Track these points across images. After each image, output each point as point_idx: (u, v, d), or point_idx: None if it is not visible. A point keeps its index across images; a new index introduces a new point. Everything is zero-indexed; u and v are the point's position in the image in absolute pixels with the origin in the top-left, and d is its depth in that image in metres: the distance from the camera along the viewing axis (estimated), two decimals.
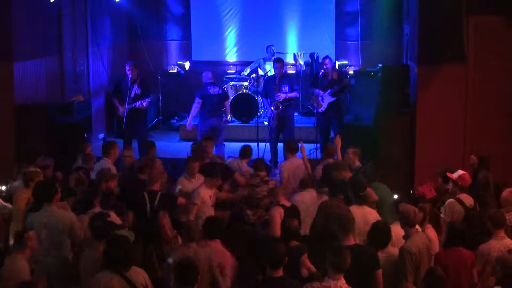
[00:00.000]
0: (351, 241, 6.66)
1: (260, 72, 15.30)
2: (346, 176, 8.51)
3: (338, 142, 10.06)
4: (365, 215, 7.51)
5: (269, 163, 12.15)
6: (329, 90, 12.38)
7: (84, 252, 6.96)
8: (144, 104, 12.44)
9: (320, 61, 13.10)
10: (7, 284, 6.45)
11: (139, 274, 6.31)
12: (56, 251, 7.39)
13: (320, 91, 12.47)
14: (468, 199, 8.22)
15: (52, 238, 7.39)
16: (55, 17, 12.73)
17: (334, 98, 12.38)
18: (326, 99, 12.42)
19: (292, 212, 8.35)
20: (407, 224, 6.93)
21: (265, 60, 15.31)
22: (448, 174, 8.58)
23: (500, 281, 6.47)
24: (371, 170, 9.05)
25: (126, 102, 12.33)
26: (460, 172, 8.43)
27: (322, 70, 12.57)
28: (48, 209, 7.50)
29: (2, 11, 10.99)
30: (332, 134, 12.73)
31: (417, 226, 7.10)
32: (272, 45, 15.30)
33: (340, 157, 9.84)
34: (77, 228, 7.46)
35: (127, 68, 12.51)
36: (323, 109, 12.48)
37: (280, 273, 6.07)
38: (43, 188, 7.72)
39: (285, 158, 10.22)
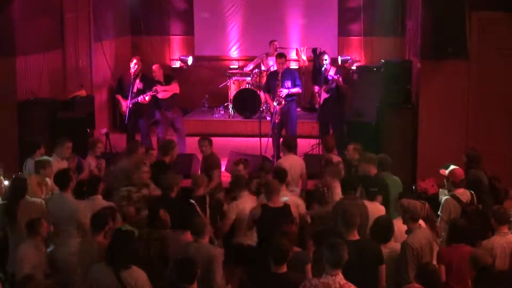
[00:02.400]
0: (355, 236, 6.67)
1: (263, 67, 15.30)
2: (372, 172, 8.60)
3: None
4: (375, 212, 7.51)
5: (271, 159, 12.15)
6: (324, 87, 12.44)
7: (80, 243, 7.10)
8: (147, 98, 12.46)
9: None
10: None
11: (133, 275, 6.16)
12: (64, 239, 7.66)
13: (318, 88, 12.59)
14: (465, 195, 8.21)
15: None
16: (57, 11, 12.72)
17: (328, 94, 12.42)
18: (322, 95, 12.48)
19: (283, 214, 7.79)
20: (412, 218, 6.92)
21: (267, 55, 15.31)
22: (441, 171, 8.58)
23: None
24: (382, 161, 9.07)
25: (129, 97, 12.34)
26: (452, 167, 8.43)
27: (325, 66, 12.62)
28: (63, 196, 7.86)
29: (4, 6, 10.98)
30: (332, 130, 12.78)
31: (420, 221, 7.11)
32: (275, 40, 15.29)
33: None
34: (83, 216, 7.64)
35: (134, 61, 12.52)
36: (319, 105, 12.53)
37: (284, 269, 6.09)
38: (60, 176, 8.05)
39: (279, 153, 10.20)
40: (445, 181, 8.53)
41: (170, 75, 13.15)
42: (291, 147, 9.99)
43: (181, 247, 7.02)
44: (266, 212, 7.81)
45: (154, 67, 12.78)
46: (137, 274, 6.18)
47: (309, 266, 6.88)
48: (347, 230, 6.61)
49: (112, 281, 6.09)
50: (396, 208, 7.44)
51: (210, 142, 10.22)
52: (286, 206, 7.90)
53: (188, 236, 7.12)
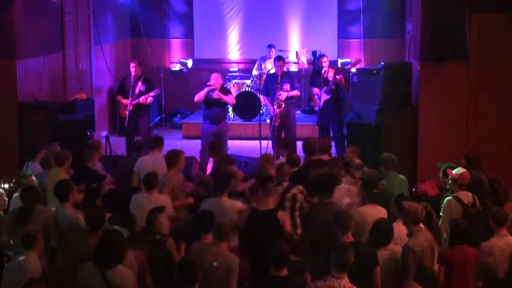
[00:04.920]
0: (349, 238, 6.67)
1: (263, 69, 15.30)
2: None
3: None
4: (377, 215, 7.40)
5: None
6: (324, 88, 12.43)
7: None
8: (149, 99, 12.45)
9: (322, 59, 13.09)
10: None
11: (118, 274, 6.14)
12: None
13: (317, 90, 12.57)
14: (466, 196, 8.20)
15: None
16: (57, 14, 12.74)
17: (329, 96, 12.41)
18: (322, 97, 12.47)
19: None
20: (413, 221, 6.89)
21: (264, 59, 15.28)
22: (448, 171, 8.56)
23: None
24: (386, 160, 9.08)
25: (130, 99, 12.33)
26: (461, 170, 8.41)
27: (325, 68, 12.63)
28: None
29: (4, 9, 11.00)
30: (331, 132, 12.78)
31: (421, 224, 7.09)
32: (273, 46, 15.18)
33: None
34: None
35: (132, 65, 12.49)
36: (320, 107, 12.54)
37: (284, 272, 6.07)
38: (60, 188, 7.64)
39: (279, 156, 10.28)
40: (449, 182, 8.50)
41: (228, 89, 12.84)
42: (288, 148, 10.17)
43: (198, 247, 6.92)
44: (254, 216, 7.54)
45: (214, 74, 12.08)
46: (122, 272, 6.17)
47: (308, 275, 6.81)
48: (342, 232, 6.64)
49: (98, 280, 6.11)
50: (394, 210, 7.41)
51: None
52: (272, 211, 7.54)
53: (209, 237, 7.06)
